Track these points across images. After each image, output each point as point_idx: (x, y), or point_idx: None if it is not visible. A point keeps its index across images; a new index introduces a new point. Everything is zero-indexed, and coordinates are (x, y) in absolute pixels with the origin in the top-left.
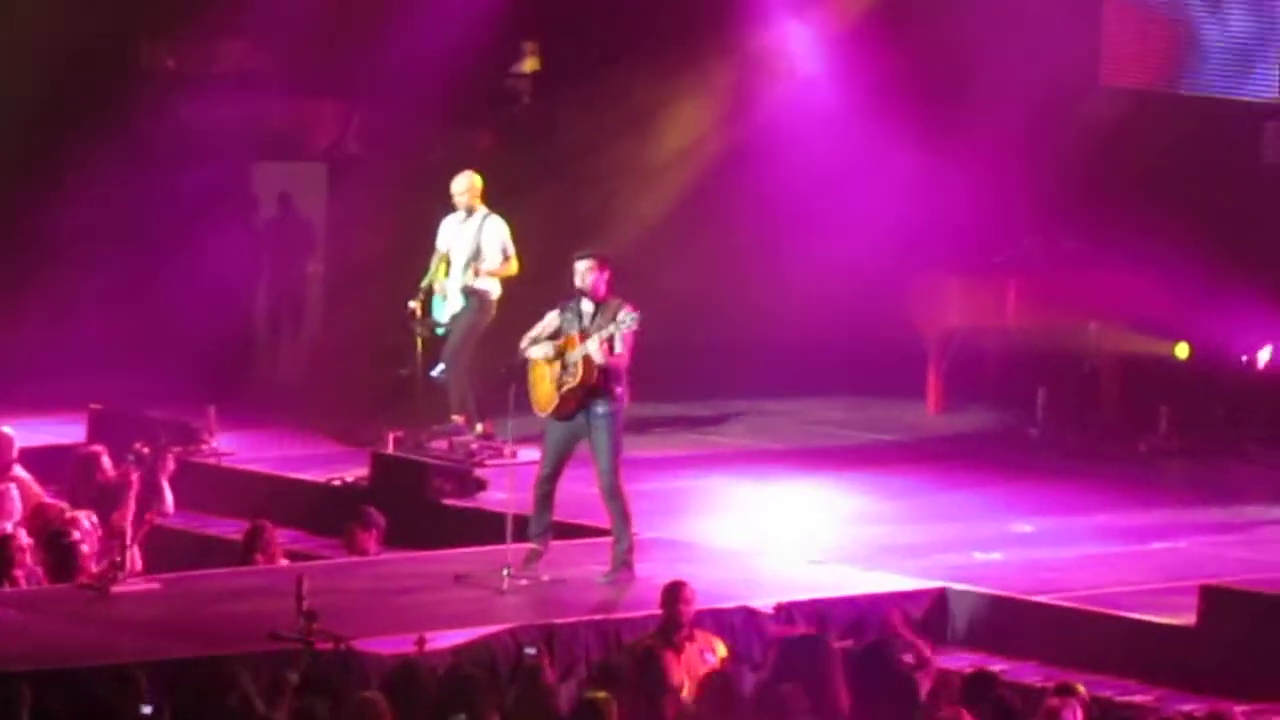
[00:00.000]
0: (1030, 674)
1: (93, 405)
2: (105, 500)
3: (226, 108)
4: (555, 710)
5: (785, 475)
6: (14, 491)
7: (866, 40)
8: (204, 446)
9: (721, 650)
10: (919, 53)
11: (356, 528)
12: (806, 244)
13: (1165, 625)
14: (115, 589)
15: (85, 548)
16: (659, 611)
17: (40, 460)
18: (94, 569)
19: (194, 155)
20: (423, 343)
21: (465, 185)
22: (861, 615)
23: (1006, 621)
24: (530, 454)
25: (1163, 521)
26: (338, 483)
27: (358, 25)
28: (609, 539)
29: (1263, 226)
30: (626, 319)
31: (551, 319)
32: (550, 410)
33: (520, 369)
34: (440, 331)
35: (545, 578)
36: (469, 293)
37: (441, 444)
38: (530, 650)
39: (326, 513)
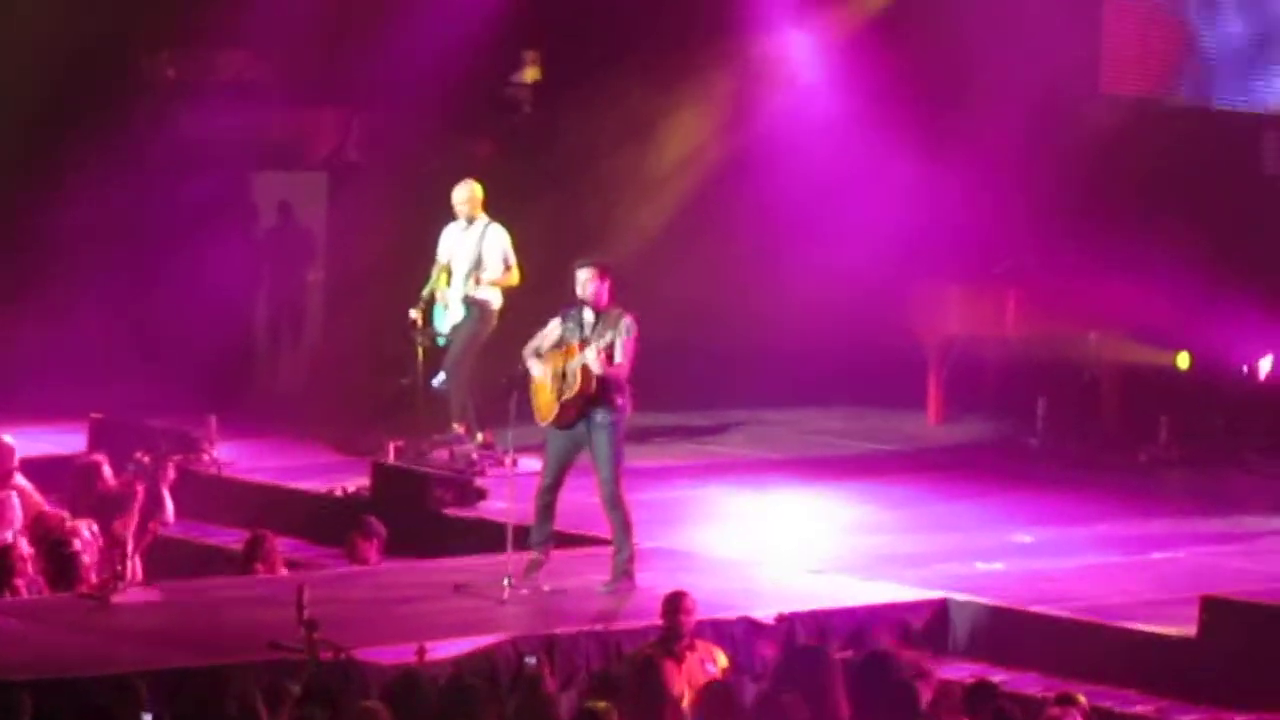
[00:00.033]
0: (1031, 684)
1: (93, 414)
2: (105, 509)
3: (226, 117)
4: None
5: (785, 485)
6: (15, 500)
7: (866, 48)
8: (204, 456)
9: (723, 660)
10: (919, 60)
11: (357, 537)
12: (806, 252)
13: (1166, 636)
14: (116, 598)
15: (86, 557)
16: (660, 621)
17: (41, 469)
18: (94, 578)
19: (194, 164)
20: (424, 352)
21: (466, 195)
22: (862, 625)
23: (1007, 632)
24: (531, 464)
25: (1163, 532)
26: (339, 492)
27: (357, 34)
28: (610, 549)
29: (1263, 236)
30: (623, 329)
31: (553, 327)
32: (551, 419)
33: (521, 378)
34: (441, 341)
35: (546, 587)
36: (470, 302)
37: (442, 453)
38: (531, 660)
39: (327, 522)
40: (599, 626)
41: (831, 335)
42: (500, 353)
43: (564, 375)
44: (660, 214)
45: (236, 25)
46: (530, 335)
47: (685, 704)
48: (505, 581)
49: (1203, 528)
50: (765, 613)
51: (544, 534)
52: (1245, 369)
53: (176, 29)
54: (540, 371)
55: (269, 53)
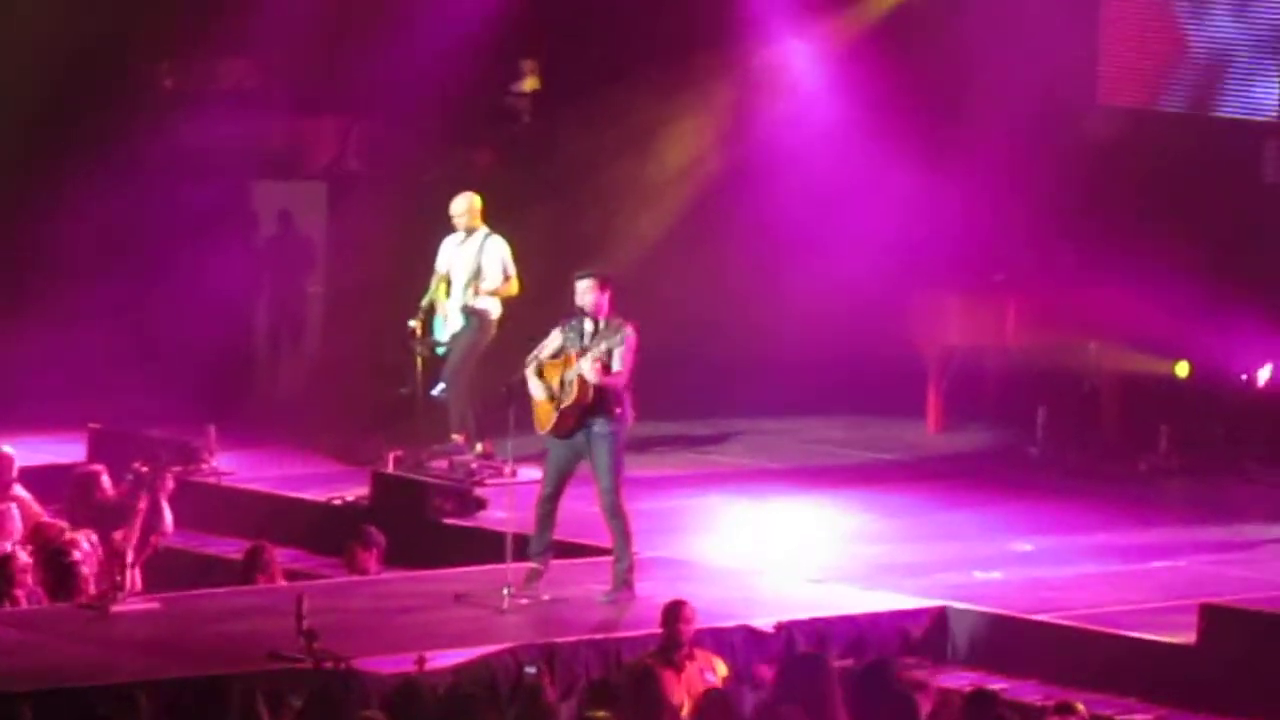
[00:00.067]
0: (1030, 693)
1: (92, 424)
2: (105, 519)
3: (227, 126)
4: None
5: (785, 494)
6: (14, 511)
7: (866, 58)
8: (204, 465)
9: (722, 669)
10: (918, 71)
11: (357, 547)
12: (806, 262)
13: (1165, 644)
14: (115, 608)
15: (85, 568)
16: (659, 630)
17: (40, 480)
18: (94, 589)
19: (194, 173)
20: (423, 362)
21: (465, 206)
22: (861, 634)
23: (1007, 640)
24: (530, 473)
25: (1163, 540)
26: (338, 502)
27: (357, 43)
28: (610, 558)
29: (1263, 245)
30: (620, 339)
31: (554, 337)
32: (549, 428)
33: (520, 387)
34: (440, 350)
35: (545, 597)
36: (469, 312)
37: (441, 463)
38: (530, 669)
39: (327, 532)
40: (599, 636)
41: (831, 345)
42: (500, 362)
43: (562, 384)
44: (660, 223)
45: (237, 34)
46: (530, 345)
47: (684, 713)
48: (505, 591)
49: (1202, 536)
50: (765, 622)
51: (544, 543)
52: (1245, 378)
53: (177, 37)
54: (537, 384)
55: (269, 61)
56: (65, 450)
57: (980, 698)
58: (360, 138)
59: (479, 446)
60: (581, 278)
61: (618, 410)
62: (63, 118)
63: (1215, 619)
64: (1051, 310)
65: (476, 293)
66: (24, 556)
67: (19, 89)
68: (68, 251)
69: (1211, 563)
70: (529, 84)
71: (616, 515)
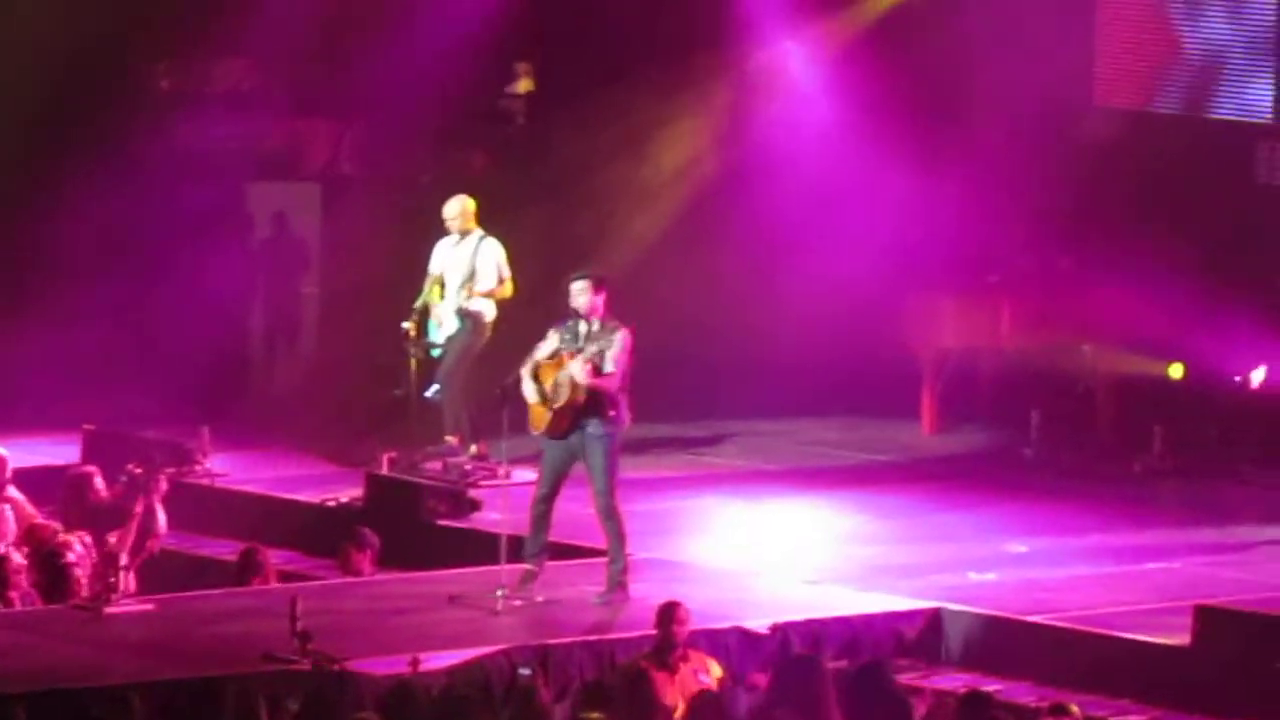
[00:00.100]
0: (1024, 694)
1: (86, 426)
2: (98, 521)
3: (222, 128)
4: None
5: (780, 495)
6: (8, 512)
7: (862, 60)
8: (198, 467)
9: (716, 671)
10: (914, 73)
11: (351, 548)
12: (802, 264)
13: (1159, 645)
14: (109, 610)
15: (79, 570)
16: (653, 632)
17: (34, 481)
18: (88, 590)
19: (190, 175)
20: (417, 363)
21: (457, 210)
22: (856, 635)
23: (1001, 642)
24: (524, 474)
25: (1157, 541)
26: (332, 503)
27: (352, 45)
28: (604, 560)
29: (1257, 246)
30: (613, 340)
31: (551, 338)
32: (544, 429)
33: (514, 389)
34: (435, 352)
35: (540, 598)
36: (464, 314)
37: (436, 465)
38: (525, 671)
39: (321, 533)
40: (593, 637)
41: (827, 346)
42: (494, 364)
43: (555, 385)
44: (655, 225)
45: (233, 36)
46: (524, 347)
47: (678, 715)
48: (499, 592)
49: (1196, 538)
50: (759, 623)
51: (539, 545)
52: (1239, 379)
53: (174, 39)
54: (531, 386)
55: (265, 64)
56: (60, 452)
57: (974, 699)
58: (355, 140)
59: (473, 448)
60: (576, 279)
61: (612, 412)
62: (62, 118)
63: (1209, 620)
64: (1046, 312)
65: (471, 295)
66: (18, 558)
67: (18, 89)
68: (64, 253)
69: (1206, 564)
70: (523, 86)
71: (611, 517)
